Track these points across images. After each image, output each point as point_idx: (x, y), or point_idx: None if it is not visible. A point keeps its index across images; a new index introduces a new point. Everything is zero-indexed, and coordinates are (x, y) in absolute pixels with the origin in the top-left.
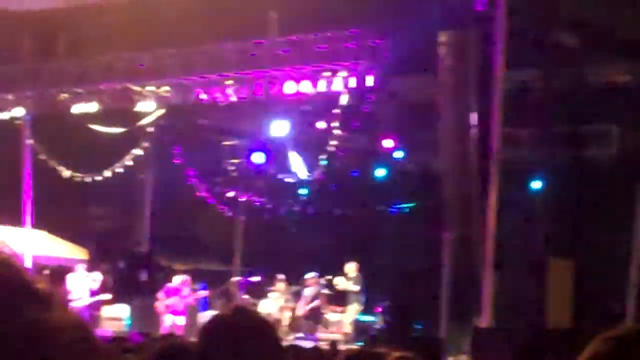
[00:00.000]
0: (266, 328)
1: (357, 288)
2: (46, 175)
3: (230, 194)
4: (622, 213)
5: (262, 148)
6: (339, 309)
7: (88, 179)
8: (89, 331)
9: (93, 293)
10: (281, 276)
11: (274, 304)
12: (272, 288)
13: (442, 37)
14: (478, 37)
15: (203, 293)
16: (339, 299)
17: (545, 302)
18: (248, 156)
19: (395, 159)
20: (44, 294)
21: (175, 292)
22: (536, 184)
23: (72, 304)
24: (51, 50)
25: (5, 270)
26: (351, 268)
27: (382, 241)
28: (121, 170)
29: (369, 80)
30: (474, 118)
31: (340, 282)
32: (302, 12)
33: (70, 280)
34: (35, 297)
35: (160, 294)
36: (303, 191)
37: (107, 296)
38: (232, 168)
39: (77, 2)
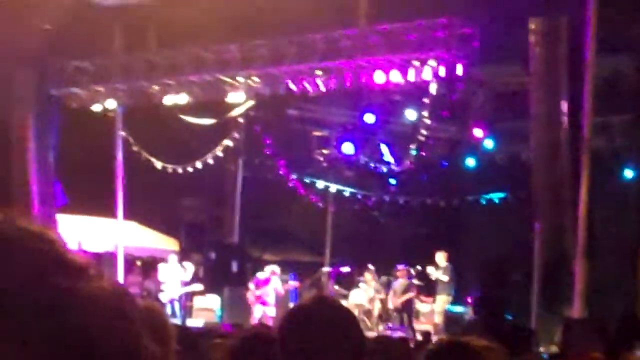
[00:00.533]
0: (347, 317)
1: (446, 278)
2: (137, 166)
3: (320, 184)
4: None
5: (351, 138)
6: (429, 299)
7: (179, 170)
8: (126, 300)
9: (185, 283)
10: (371, 267)
11: (364, 295)
12: (362, 278)
13: (532, 25)
14: (568, 24)
15: (293, 284)
16: (429, 289)
17: (638, 291)
18: (338, 146)
19: (485, 148)
20: (79, 265)
21: (265, 282)
22: (628, 173)
23: (164, 295)
24: (142, 43)
25: (38, 242)
26: (441, 258)
27: (471, 231)
28: (211, 161)
29: (459, 69)
30: (564, 106)
31: (431, 272)
32: (392, 1)
33: (162, 270)
34: (69, 268)
35: (250, 285)
36: (393, 181)
37: (199, 287)
38: (322, 158)
39: None
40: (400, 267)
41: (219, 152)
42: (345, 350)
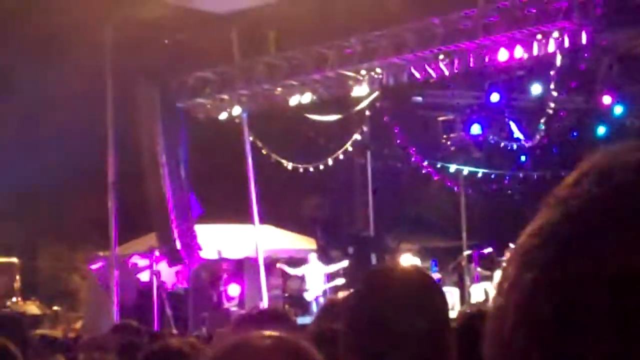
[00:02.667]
0: (428, 286)
1: None
2: (266, 170)
3: (452, 168)
4: None
5: (478, 119)
6: None
7: (311, 169)
8: None
9: (327, 279)
10: (512, 245)
11: None
12: (504, 258)
13: None
14: None
15: (435, 275)
16: None
17: None
18: (465, 129)
19: (615, 115)
20: None
21: None
22: None
23: (308, 294)
24: (261, 47)
25: None
26: None
27: None
28: (342, 156)
29: (583, 38)
30: None
31: None
32: None
33: (306, 270)
34: None
35: None
36: (524, 157)
37: (341, 280)
38: (450, 142)
39: None
40: None
41: (349, 146)
42: (421, 319)
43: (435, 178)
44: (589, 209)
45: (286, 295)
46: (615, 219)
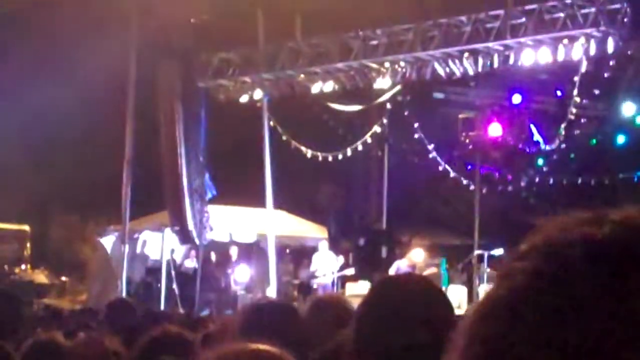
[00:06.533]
0: (433, 295)
1: None
2: (284, 155)
3: (468, 167)
4: None
5: (498, 119)
6: None
7: (329, 158)
8: None
9: (337, 269)
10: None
11: None
12: None
13: None
14: None
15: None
16: None
17: None
18: (485, 128)
19: (636, 125)
20: None
21: (409, 267)
22: None
23: (318, 281)
24: (287, 32)
25: None
26: None
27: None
28: (361, 147)
29: (609, 46)
30: None
31: None
32: None
33: (316, 258)
34: None
35: (391, 271)
36: (541, 161)
37: (351, 271)
38: (468, 141)
39: None
40: None
41: (368, 138)
42: (425, 331)
43: (452, 175)
44: (533, 286)
45: (296, 282)
46: (559, 296)
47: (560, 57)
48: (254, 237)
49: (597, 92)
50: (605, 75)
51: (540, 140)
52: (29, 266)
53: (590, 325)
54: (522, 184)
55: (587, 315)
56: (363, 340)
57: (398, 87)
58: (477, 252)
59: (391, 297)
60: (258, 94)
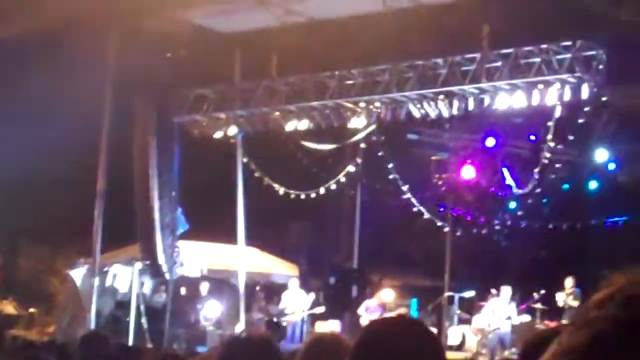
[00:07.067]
0: (426, 339)
1: (576, 303)
2: (256, 192)
3: (441, 208)
4: None
5: (472, 162)
6: (552, 324)
7: (302, 196)
8: None
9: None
10: (494, 291)
11: (487, 320)
12: (484, 303)
13: None
14: None
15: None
16: (555, 314)
17: None
18: (458, 170)
19: (608, 170)
20: None
21: (379, 307)
22: None
23: (287, 319)
24: (263, 70)
25: None
26: (570, 282)
27: (596, 255)
28: (334, 186)
29: (584, 92)
30: None
31: (559, 298)
32: (514, 25)
33: (286, 296)
34: None
35: (360, 310)
36: (513, 204)
37: (321, 309)
38: (441, 182)
39: (288, 21)
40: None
41: (342, 177)
42: None
43: (425, 217)
44: (614, 333)
45: (266, 319)
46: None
47: (535, 101)
48: (224, 273)
49: (570, 137)
50: (579, 121)
51: (513, 184)
52: None
53: None
54: (495, 227)
55: None
56: None
57: (372, 127)
58: (447, 293)
59: (383, 340)
60: (232, 130)
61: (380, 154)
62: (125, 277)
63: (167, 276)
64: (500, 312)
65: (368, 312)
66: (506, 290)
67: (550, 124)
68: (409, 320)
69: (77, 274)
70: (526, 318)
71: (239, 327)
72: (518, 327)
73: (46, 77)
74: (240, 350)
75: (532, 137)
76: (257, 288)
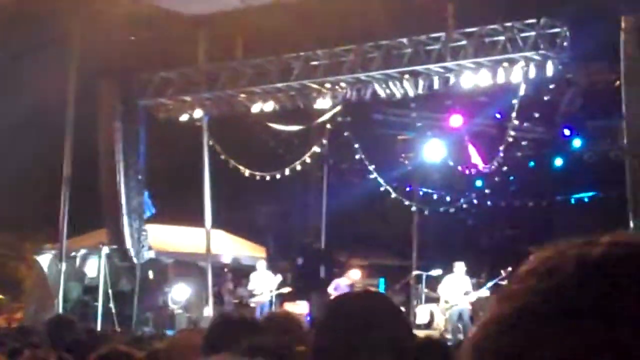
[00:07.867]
0: (390, 312)
1: None
2: (223, 175)
3: (407, 188)
4: None
5: (438, 141)
6: None
7: (267, 178)
8: None
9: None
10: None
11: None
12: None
13: (625, 23)
14: None
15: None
16: None
17: None
18: (424, 150)
19: (573, 148)
20: None
21: (348, 287)
22: None
23: (255, 300)
24: (228, 52)
25: None
26: None
27: (561, 232)
28: (299, 167)
29: (549, 70)
30: None
31: None
32: (479, 3)
33: (254, 277)
34: None
35: (330, 289)
36: (479, 183)
37: (288, 289)
38: (407, 162)
39: (252, 3)
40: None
41: (307, 158)
42: (383, 347)
43: (392, 196)
44: (535, 302)
45: (236, 301)
46: (559, 310)
47: (500, 79)
48: (192, 256)
49: (536, 115)
50: (545, 98)
51: (479, 161)
52: None
53: (590, 329)
54: (462, 205)
55: (585, 321)
56: (321, 357)
57: (338, 108)
58: (415, 272)
59: (348, 316)
60: (198, 113)
61: (346, 134)
62: (93, 261)
63: (135, 260)
64: (457, 288)
65: (337, 291)
66: (459, 266)
67: (515, 101)
68: (373, 293)
69: (44, 260)
70: (484, 293)
71: (207, 310)
72: (476, 302)
73: (7, 62)
74: (229, 327)
75: (498, 115)
76: (225, 270)
